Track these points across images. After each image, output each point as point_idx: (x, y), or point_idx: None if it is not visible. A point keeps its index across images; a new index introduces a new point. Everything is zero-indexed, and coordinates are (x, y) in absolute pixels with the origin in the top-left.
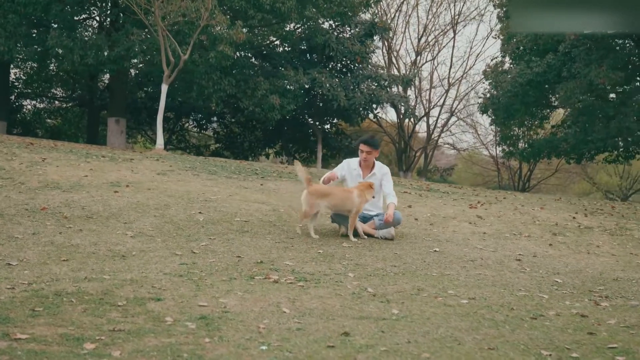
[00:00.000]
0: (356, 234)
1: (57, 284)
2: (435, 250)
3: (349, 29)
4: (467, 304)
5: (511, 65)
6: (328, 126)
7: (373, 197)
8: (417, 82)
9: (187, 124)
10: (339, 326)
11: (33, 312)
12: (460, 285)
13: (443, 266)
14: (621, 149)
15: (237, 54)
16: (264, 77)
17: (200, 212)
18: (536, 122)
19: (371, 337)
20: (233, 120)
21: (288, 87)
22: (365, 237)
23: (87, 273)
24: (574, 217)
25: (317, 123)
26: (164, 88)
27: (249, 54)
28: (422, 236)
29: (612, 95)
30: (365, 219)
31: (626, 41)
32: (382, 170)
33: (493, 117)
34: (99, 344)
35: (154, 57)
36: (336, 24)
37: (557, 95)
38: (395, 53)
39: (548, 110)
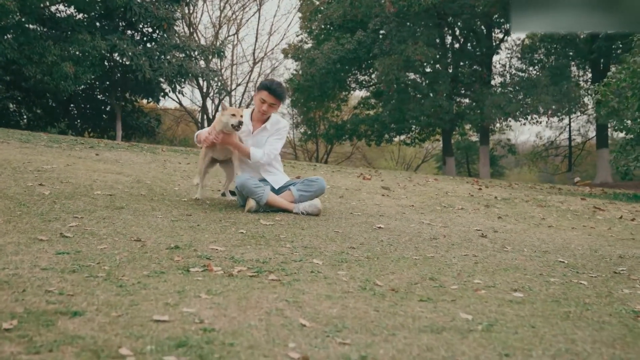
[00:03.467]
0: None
1: None
2: (380, 227)
3: None
4: (531, 299)
5: (310, 44)
6: (123, 103)
7: (234, 126)
8: (220, 59)
9: None
10: (422, 348)
11: None
12: (472, 272)
13: (411, 247)
14: (416, 130)
15: (16, 16)
16: (53, 42)
17: (41, 185)
18: (334, 105)
19: None
20: (7, 94)
21: (79, 54)
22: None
23: None
24: (479, 189)
25: (115, 99)
26: None
27: (24, 19)
28: (345, 210)
29: (422, 74)
30: (278, 191)
31: (438, 19)
32: (277, 125)
33: (293, 99)
34: None
35: None
36: None
37: (373, 73)
38: (194, 25)
39: (346, 93)
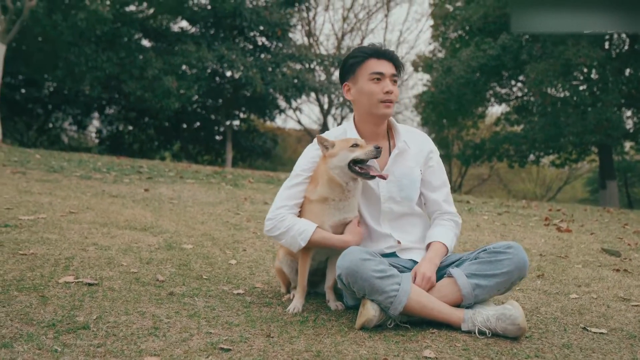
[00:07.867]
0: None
1: None
2: None
3: None
4: None
5: (443, 54)
6: (237, 122)
7: None
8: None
9: (61, 121)
10: None
11: None
12: None
13: None
14: (570, 150)
15: (119, 24)
16: (155, 54)
17: None
18: (470, 122)
19: None
20: (120, 116)
21: (186, 69)
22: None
23: None
24: None
25: (227, 118)
26: (1, 49)
27: (133, 30)
28: (569, 322)
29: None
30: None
31: None
32: (419, 142)
33: (424, 115)
34: None
35: None
36: None
37: (521, 82)
38: (315, 37)
39: (483, 109)
